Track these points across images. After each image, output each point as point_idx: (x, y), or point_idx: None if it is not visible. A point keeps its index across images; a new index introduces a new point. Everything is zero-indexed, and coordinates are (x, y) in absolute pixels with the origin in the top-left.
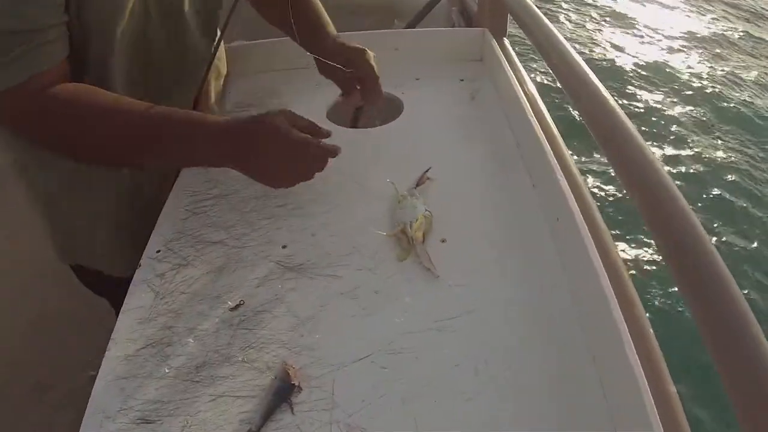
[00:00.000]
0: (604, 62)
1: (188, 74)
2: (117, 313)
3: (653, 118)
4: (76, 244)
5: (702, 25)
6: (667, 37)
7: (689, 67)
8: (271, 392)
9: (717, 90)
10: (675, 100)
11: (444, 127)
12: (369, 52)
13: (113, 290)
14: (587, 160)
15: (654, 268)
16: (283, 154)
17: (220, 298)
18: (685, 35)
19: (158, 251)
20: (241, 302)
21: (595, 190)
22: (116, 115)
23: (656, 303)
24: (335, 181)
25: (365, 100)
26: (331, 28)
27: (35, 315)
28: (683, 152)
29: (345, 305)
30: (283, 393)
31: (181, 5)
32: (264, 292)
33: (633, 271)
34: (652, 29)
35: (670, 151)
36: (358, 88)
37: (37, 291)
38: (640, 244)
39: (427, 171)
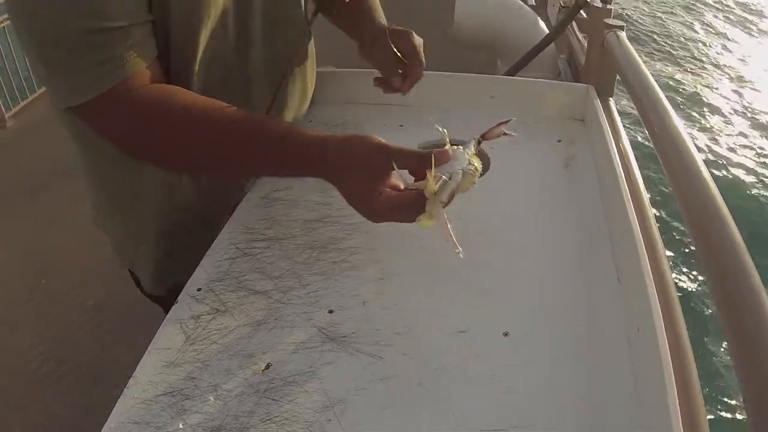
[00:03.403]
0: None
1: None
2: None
3: None
4: (123, 250)
5: None
6: None
7: None
8: None
9: None
10: None
11: (529, 194)
12: (414, 34)
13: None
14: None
15: None
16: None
17: (252, 357)
18: None
19: (199, 289)
20: (269, 364)
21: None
22: (210, 121)
23: None
24: (397, 240)
25: (405, 82)
26: (379, 13)
27: (95, 306)
28: None
29: (381, 393)
30: None
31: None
32: (298, 360)
33: None
34: None
35: None
36: (400, 72)
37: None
38: None
39: (506, 122)
